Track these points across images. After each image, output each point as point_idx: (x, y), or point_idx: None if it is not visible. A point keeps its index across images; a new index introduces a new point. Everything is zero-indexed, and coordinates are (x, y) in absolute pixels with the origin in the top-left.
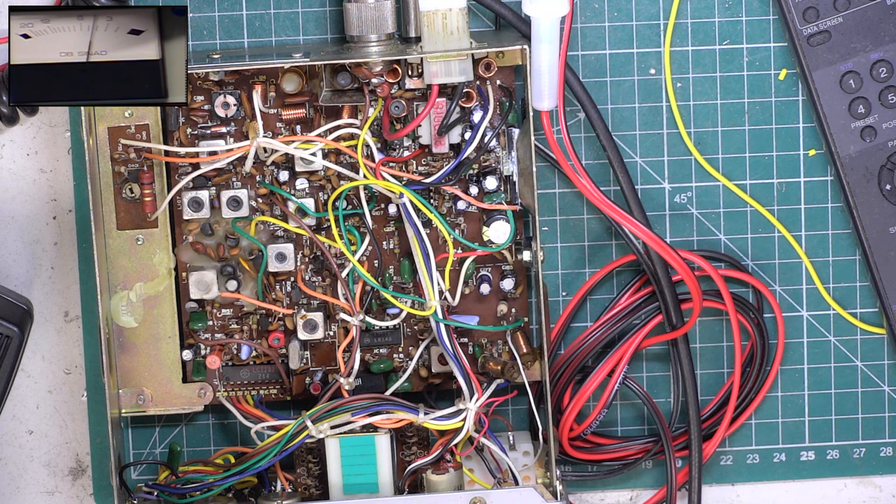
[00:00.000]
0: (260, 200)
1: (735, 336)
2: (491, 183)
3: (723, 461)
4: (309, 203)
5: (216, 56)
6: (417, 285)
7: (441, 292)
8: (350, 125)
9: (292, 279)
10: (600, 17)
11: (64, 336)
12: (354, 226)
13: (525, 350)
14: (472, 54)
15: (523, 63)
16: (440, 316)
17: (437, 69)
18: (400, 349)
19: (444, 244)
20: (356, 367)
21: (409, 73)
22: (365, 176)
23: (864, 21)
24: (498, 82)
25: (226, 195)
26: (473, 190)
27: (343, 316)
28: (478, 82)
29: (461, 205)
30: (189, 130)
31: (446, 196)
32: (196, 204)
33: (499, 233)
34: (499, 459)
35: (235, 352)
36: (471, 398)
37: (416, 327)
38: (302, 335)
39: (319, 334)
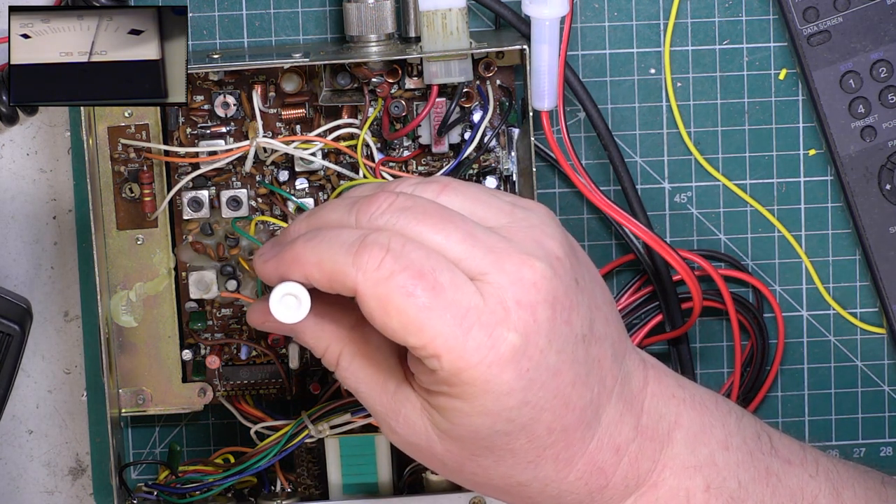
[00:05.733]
0: (260, 200)
1: (735, 336)
2: (491, 183)
3: None
4: (309, 203)
5: (216, 56)
6: None
7: None
8: (350, 125)
9: None
10: (600, 17)
11: (64, 336)
12: None
13: None
14: (472, 54)
15: (523, 63)
16: None
17: (436, 69)
18: None
19: None
20: None
21: (409, 72)
22: (365, 176)
23: (864, 21)
24: (498, 82)
25: (226, 195)
26: None
27: None
28: (478, 82)
29: None
30: (189, 130)
31: None
32: (196, 204)
33: None
34: None
35: (235, 352)
36: None
37: None
38: None
39: None
